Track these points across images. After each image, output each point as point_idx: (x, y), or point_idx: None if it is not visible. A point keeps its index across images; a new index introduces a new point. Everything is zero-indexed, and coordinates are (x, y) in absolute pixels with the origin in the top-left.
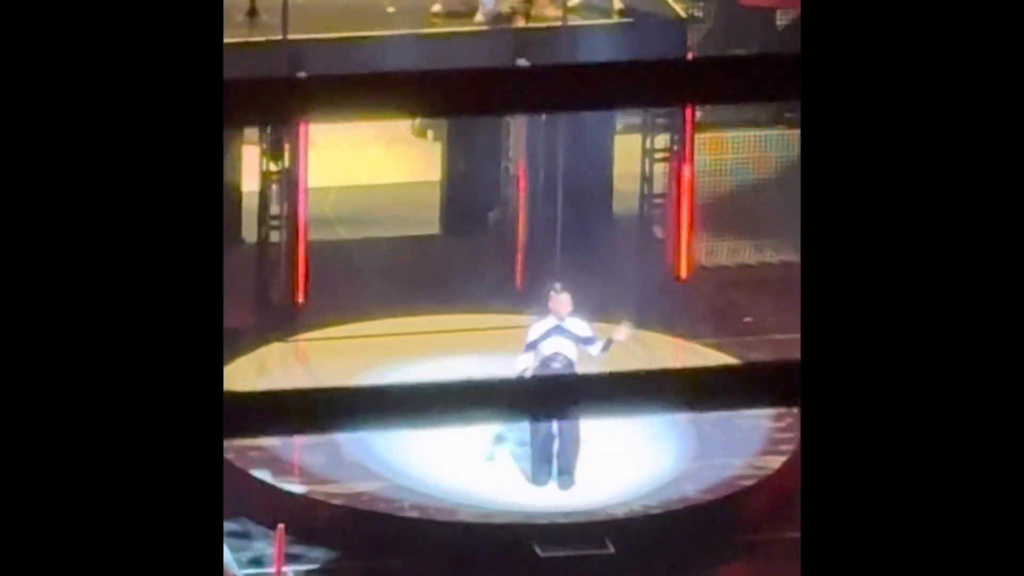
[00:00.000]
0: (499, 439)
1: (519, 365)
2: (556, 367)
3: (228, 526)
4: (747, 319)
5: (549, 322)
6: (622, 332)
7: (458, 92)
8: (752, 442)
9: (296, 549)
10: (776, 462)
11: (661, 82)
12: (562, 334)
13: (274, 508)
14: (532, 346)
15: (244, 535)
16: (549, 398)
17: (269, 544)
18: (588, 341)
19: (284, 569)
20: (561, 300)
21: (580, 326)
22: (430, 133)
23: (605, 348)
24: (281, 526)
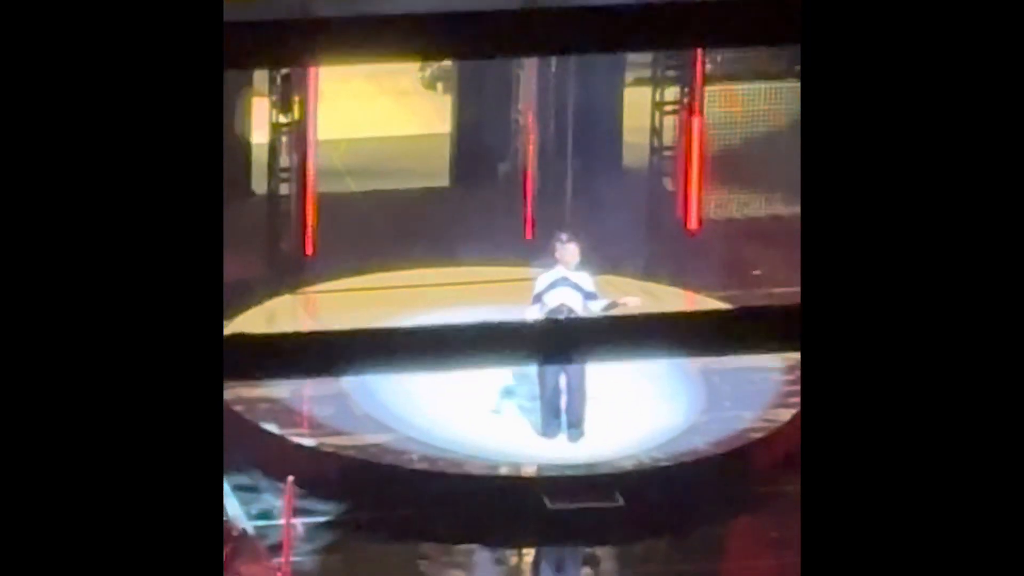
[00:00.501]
0: (507, 393)
1: (528, 317)
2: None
3: (237, 479)
4: (756, 272)
5: (555, 273)
6: (631, 301)
7: (466, 34)
8: (762, 395)
9: (305, 502)
10: (786, 415)
11: (665, 24)
12: (567, 285)
13: (283, 461)
14: (538, 297)
15: (253, 488)
16: (555, 341)
17: (278, 497)
18: (591, 296)
19: (293, 521)
20: (568, 250)
21: (585, 280)
22: (440, 85)
23: (607, 308)
24: (290, 479)
